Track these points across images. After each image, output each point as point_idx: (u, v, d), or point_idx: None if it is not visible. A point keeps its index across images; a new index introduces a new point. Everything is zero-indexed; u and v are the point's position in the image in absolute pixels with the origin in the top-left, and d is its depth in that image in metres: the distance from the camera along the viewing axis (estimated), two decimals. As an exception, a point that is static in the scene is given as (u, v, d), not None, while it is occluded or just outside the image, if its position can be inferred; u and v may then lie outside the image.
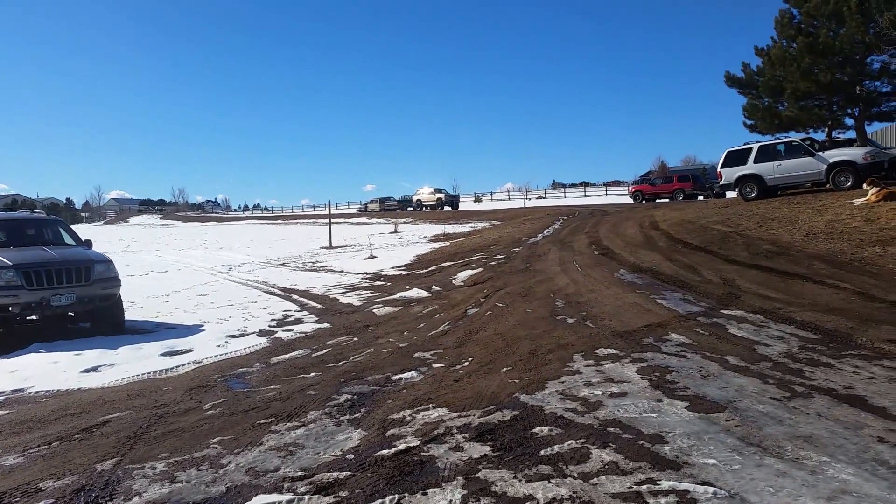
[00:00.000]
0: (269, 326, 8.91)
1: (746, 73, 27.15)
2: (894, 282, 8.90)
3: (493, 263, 14.01)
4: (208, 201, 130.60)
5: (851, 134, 26.03)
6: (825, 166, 18.96)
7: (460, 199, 54.36)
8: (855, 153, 19.19)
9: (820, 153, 19.44)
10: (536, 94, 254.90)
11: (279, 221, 59.87)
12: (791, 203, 17.30)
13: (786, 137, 21.90)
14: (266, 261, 20.32)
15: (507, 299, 9.32)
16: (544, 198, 64.76)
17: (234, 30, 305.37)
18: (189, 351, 7.70)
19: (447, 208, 50.74)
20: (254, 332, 8.55)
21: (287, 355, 7.04)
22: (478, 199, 70.43)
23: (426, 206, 52.43)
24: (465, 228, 28.48)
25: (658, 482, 3.20)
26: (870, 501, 2.93)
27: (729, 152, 21.47)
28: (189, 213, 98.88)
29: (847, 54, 23.20)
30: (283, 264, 19.01)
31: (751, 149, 20.82)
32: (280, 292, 12.39)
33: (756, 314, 7.18)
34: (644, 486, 3.17)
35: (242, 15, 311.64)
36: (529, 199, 60.64)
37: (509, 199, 67.88)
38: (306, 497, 3.33)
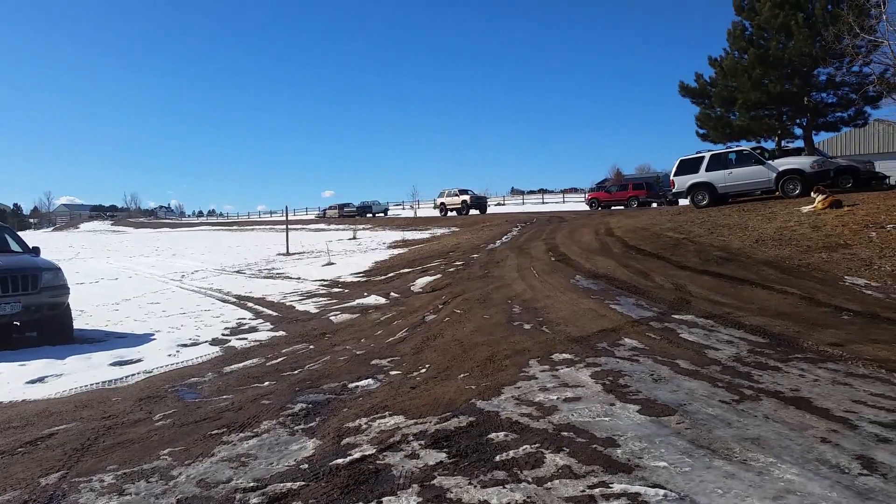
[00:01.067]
0: (223, 335, 8.77)
1: (700, 84, 27.86)
2: (839, 287, 9.22)
3: (451, 270, 14.04)
4: (161, 207, 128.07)
5: (800, 143, 26.92)
6: (775, 175, 19.53)
7: (486, 202, 48.40)
8: (803, 162, 19.82)
9: (770, 162, 20.02)
10: (494, 102, 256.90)
11: (234, 228, 59.05)
12: (741, 210, 17.76)
13: (737, 146, 22.50)
14: (220, 268, 20.00)
15: (465, 305, 9.36)
16: (503, 204, 65.20)
17: (187, 34, 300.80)
18: (139, 360, 7.52)
19: (474, 211, 44.50)
20: (206, 341, 8.40)
21: (240, 364, 6.94)
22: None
23: (451, 210, 45.64)
24: (425, 235, 28.51)
25: (610, 485, 3.25)
26: (812, 500, 3.01)
27: (682, 161, 21.95)
28: (142, 220, 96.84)
29: (795, 66, 24.01)
30: (238, 271, 18.73)
31: (703, 157, 21.32)
32: (234, 300, 12.21)
33: (706, 319, 7.35)
34: (597, 490, 3.21)
35: (197, 20, 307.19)
36: (489, 205, 60.98)
37: (469, 205, 68.07)
38: (259, 508, 3.29)
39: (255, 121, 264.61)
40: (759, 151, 21.05)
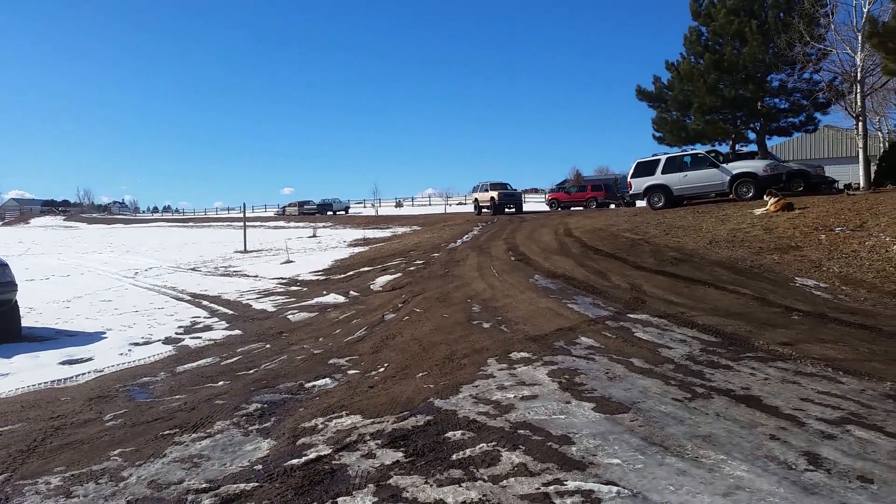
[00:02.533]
0: (176, 334, 8.59)
1: (657, 87, 28.35)
2: (790, 288, 9.47)
3: (411, 269, 14.02)
4: (115, 202, 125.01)
5: (753, 147, 27.60)
6: (728, 178, 19.97)
7: (521, 199, 39.31)
8: (756, 165, 20.31)
9: (724, 165, 20.47)
10: (457, 102, 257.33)
11: (191, 224, 58.00)
12: (696, 212, 18.12)
13: (692, 150, 22.96)
14: (175, 265, 19.61)
15: (424, 304, 9.35)
16: (465, 203, 65.33)
17: (140, 25, 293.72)
18: (90, 359, 7.32)
19: (510, 209, 36.84)
20: (159, 340, 8.22)
21: (194, 364, 6.80)
22: (399, 205, 70.42)
23: (484, 209, 37.74)
24: (386, 233, 28.42)
25: (565, 483, 3.28)
26: (761, 496, 3.09)
27: (638, 163, 22.30)
28: (95, 215, 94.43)
29: (749, 72, 24.62)
30: (193, 269, 18.38)
31: (659, 160, 21.69)
32: (189, 298, 11.97)
33: (660, 318, 7.48)
34: (551, 487, 3.24)
35: (150, 11, 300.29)
36: (450, 204, 61.10)
37: (430, 204, 68.20)
38: (211, 509, 3.23)
39: (212, 115, 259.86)
40: (713, 155, 21.51)
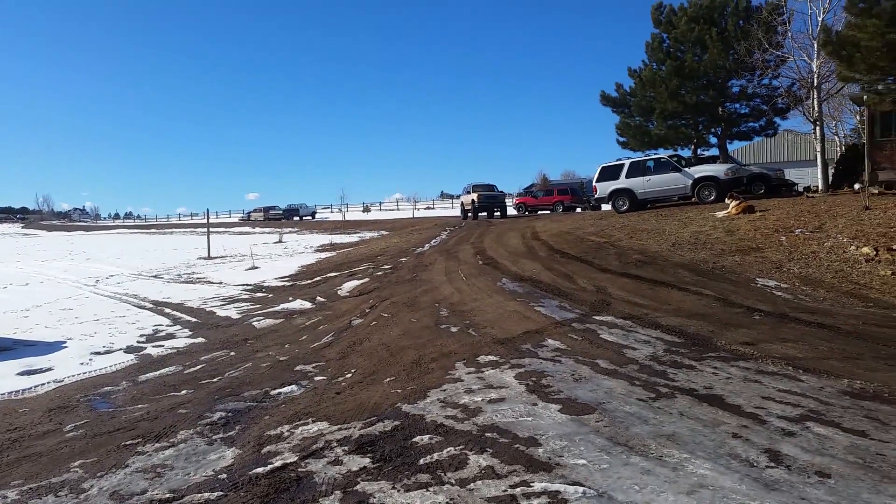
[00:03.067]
0: (138, 342, 8.42)
1: (620, 94, 28.74)
2: (751, 288, 9.65)
3: (379, 273, 13.96)
4: (75, 209, 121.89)
5: (715, 151, 28.10)
6: (691, 181, 20.30)
7: (504, 201, 35.63)
8: (718, 169, 20.68)
9: (686, 169, 20.79)
10: (423, 106, 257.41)
11: (153, 230, 57.03)
12: (659, 216, 18.39)
13: (655, 154, 23.26)
14: (137, 272, 19.23)
15: (392, 309, 9.32)
16: (433, 208, 65.44)
17: (100, 27, 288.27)
18: (49, 369, 7.14)
19: (495, 213, 34.09)
20: (121, 349, 8.05)
21: (157, 372, 6.68)
22: (366, 210, 70.14)
23: (468, 212, 34.22)
24: (353, 238, 28.27)
25: (531, 484, 3.30)
26: (724, 493, 3.14)
27: (603, 167, 22.54)
28: (54, 222, 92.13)
29: (710, 78, 25.10)
30: (155, 276, 18.05)
31: (623, 164, 21.95)
32: (151, 306, 11.75)
33: (625, 319, 7.56)
34: (518, 489, 3.25)
35: (109, 13, 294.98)
36: (418, 209, 61.08)
37: (398, 209, 68.07)
38: (174, 520, 3.18)
39: (175, 120, 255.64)
40: (675, 159, 21.84)
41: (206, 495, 3.42)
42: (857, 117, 32.00)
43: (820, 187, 21.85)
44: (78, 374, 6.87)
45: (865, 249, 11.02)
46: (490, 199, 33.92)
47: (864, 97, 17.38)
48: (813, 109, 21.97)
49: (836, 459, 3.49)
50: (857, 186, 19.52)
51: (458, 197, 42.31)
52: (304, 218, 59.21)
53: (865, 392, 4.69)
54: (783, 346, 6.17)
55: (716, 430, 4.01)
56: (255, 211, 65.26)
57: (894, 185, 18.31)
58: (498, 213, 34.29)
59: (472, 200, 33.48)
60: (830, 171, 23.70)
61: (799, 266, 10.88)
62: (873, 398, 4.55)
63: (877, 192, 16.98)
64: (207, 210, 29.94)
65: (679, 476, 3.35)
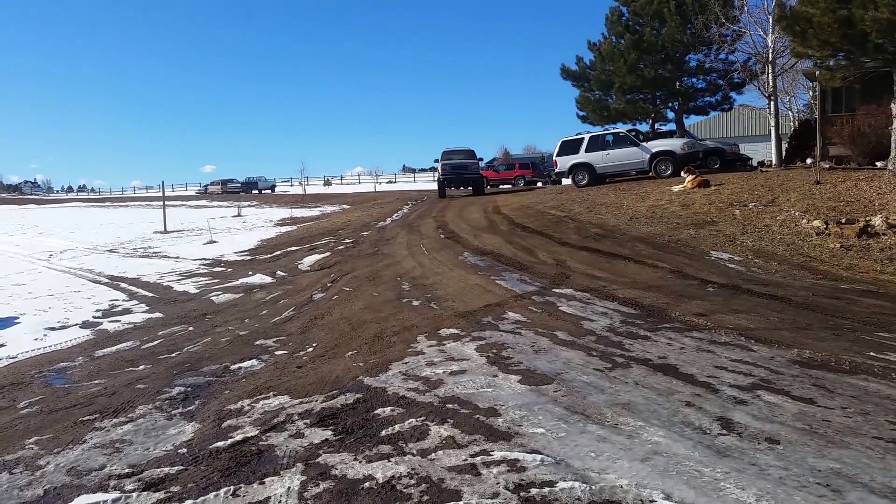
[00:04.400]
0: (94, 317, 8.25)
1: (580, 67, 28.80)
2: (705, 261, 9.88)
3: (340, 247, 13.88)
4: (26, 182, 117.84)
5: (672, 126, 28.45)
6: (648, 156, 20.57)
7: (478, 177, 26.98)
8: (674, 144, 20.99)
9: (644, 144, 21.05)
10: (384, 79, 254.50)
11: (107, 204, 55.55)
12: (618, 190, 18.63)
13: (614, 129, 23.47)
14: (92, 247, 18.75)
15: (354, 283, 9.29)
16: (394, 182, 65.06)
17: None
18: (2, 346, 6.95)
19: (469, 189, 27.77)
20: (76, 324, 7.88)
21: (114, 348, 6.56)
22: (327, 183, 69.39)
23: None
24: (314, 212, 27.99)
25: (491, 453, 3.36)
26: (677, 460, 3.24)
27: (563, 142, 22.67)
28: (4, 195, 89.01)
29: (668, 52, 25.30)
30: (111, 250, 17.63)
31: (583, 139, 22.10)
32: (107, 281, 11.49)
33: (584, 292, 7.69)
34: (478, 458, 3.31)
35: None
36: (380, 182, 60.67)
37: (360, 182, 67.49)
38: (134, 494, 3.15)
39: (127, 88, 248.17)
40: (634, 134, 22.08)
41: (166, 470, 3.40)
42: (810, 93, 32.76)
43: (774, 162, 22.35)
44: (32, 350, 6.71)
45: (816, 223, 11.35)
46: (457, 170, 26.43)
47: (817, 73, 17.78)
48: (768, 84, 22.38)
49: (785, 426, 3.62)
50: (809, 161, 20.01)
51: (420, 171, 39.57)
52: (263, 191, 58.31)
53: (814, 361, 4.87)
54: (735, 317, 6.35)
55: (670, 398, 4.12)
56: (212, 184, 63.97)
57: (845, 159, 18.83)
58: (471, 189, 27.44)
59: (439, 174, 27.40)
60: (784, 146, 24.22)
61: (752, 239, 11.16)
62: (821, 367, 4.72)
63: (828, 166, 17.46)
64: (163, 183, 29.28)
65: (634, 443, 3.45)
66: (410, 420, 3.89)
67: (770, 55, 21.49)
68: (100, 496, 3.16)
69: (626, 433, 3.59)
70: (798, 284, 8.24)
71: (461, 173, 26.73)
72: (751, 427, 3.62)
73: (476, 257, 10.81)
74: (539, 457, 3.28)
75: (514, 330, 6.04)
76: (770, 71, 21.92)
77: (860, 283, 8.39)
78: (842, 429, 3.57)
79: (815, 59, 16.68)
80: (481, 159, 28.73)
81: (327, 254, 13.09)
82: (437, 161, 28.14)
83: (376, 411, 4.09)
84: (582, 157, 21.78)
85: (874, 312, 6.61)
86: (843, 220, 11.18)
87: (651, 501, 2.84)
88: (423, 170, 78.88)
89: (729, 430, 3.59)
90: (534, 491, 2.96)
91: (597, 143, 21.74)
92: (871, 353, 5.04)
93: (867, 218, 11.03)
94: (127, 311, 8.58)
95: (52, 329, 7.69)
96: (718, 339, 5.53)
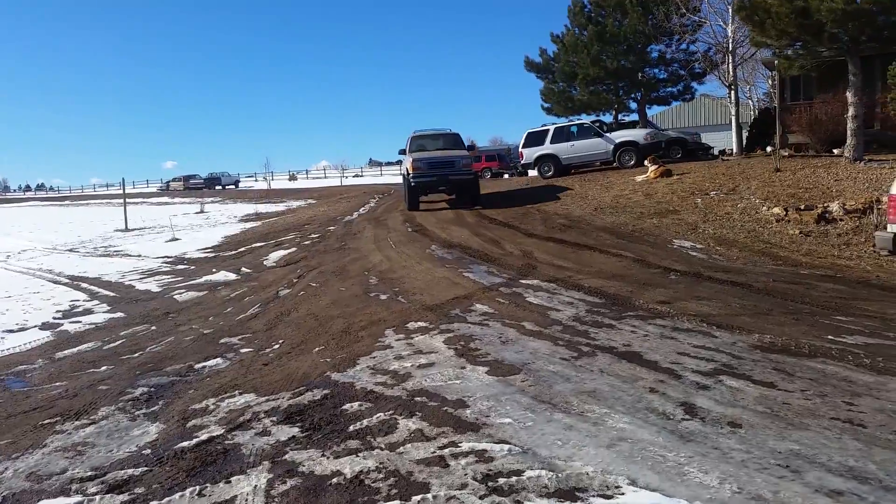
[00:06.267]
0: (54, 319, 8.06)
1: (543, 59, 28.92)
2: (668, 250, 10.03)
3: (307, 243, 13.77)
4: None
5: (635, 117, 28.75)
6: (612, 146, 20.77)
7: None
8: (637, 134, 21.23)
9: (608, 134, 21.25)
10: (350, 72, 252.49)
11: (67, 203, 54.26)
12: (583, 180, 18.80)
13: (578, 120, 23.62)
14: (51, 247, 18.31)
15: (320, 279, 9.23)
16: (361, 176, 64.69)
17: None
18: (-44, 351, 6.76)
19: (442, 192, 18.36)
20: (35, 326, 7.69)
21: (75, 349, 6.42)
22: (293, 178, 68.67)
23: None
24: (279, 207, 27.69)
25: (459, 444, 3.37)
26: (642, 445, 3.29)
27: (529, 133, 22.77)
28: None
29: (630, 43, 25.51)
30: (71, 250, 17.24)
31: (548, 130, 22.22)
32: (67, 281, 11.24)
33: (550, 282, 7.75)
34: (446, 450, 3.32)
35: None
36: (346, 177, 60.28)
37: (325, 177, 66.95)
38: (97, 497, 3.09)
39: (85, 83, 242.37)
40: (598, 124, 22.28)
41: (130, 471, 3.34)
42: (770, 82, 33.32)
43: (734, 150, 22.74)
44: (-11, 354, 6.54)
45: (776, 210, 11.59)
46: (438, 168, 16.47)
47: (776, 62, 18.09)
48: (728, 74, 22.74)
49: (747, 410, 3.70)
50: (769, 149, 20.41)
51: (387, 164, 36.83)
52: (226, 187, 57.47)
53: (774, 345, 4.98)
54: (698, 303, 6.46)
55: (634, 385, 4.18)
56: (174, 180, 62.89)
57: (803, 147, 19.24)
58: (459, 196, 17.68)
59: (406, 171, 17.44)
60: (745, 135, 24.66)
61: (713, 227, 11.35)
62: (781, 351, 4.83)
63: (787, 154, 17.82)
64: (123, 180, 28.73)
65: (600, 430, 3.49)
66: (379, 414, 3.88)
67: (730, 45, 21.82)
68: (61, 500, 3.10)
69: (592, 420, 3.63)
70: (758, 271, 8.41)
71: (445, 172, 16.41)
72: (713, 412, 3.69)
73: (444, 250, 10.81)
74: (507, 447, 3.31)
75: (481, 322, 6.06)
76: (730, 61, 22.27)
77: (819, 269, 8.60)
78: (801, 411, 3.66)
79: (774, 48, 16.99)
80: (472, 147, 19.83)
81: (293, 249, 12.98)
82: (403, 153, 18.28)
83: (344, 407, 4.07)
84: (547, 148, 21.90)
85: (832, 297, 6.78)
86: (802, 207, 11.43)
87: (616, 487, 2.88)
88: (389, 163, 78.47)
89: (692, 416, 3.65)
90: (501, 480, 2.98)
91: (562, 135, 21.88)
92: (830, 337, 5.17)
93: (825, 204, 11.30)
94: (88, 312, 8.41)
95: (11, 331, 7.50)
96: (681, 326, 5.62)
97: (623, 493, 2.82)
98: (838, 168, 14.16)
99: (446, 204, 15.72)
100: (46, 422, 4.25)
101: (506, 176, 35.22)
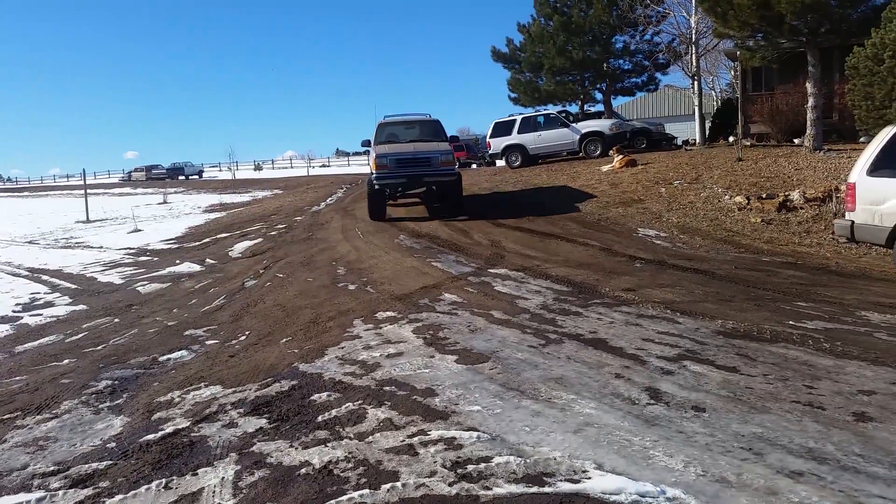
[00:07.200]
0: (14, 312, 7.86)
1: (510, 49, 28.93)
2: (633, 238, 10.16)
3: (273, 233, 13.63)
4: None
5: (600, 107, 28.96)
6: (578, 136, 20.94)
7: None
8: (603, 124, 21.43)
9: (574, 125, 21.40)
10: (315, 63, 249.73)
11: (25, 194, 52.87)
12: (550, 170, 18.92)
13: (545, 110, 23.72)
14: (10, 238, 17.85)
15: (287, 269, 9.14)
16: (328, 166, 64.12)
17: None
18: None
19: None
20: (-7, 320, 7.51)
21: (35, 342, 6.27)
22: (258, 168, 67.78)
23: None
24: (245, 198, 27.33)
25: (428, 433, 3.39)
26: (608, 430, 3.34)
27: (496, 123, 22.83)
28: None
29: (596, 34, 25.64)
30: (30, 242, 16.83)
31: (515, 120, 22.32)
32: (27, 273, 10.96)
33: (518, 271, 7.80)
34: (415, 438, 3.33)
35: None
36: (313, 167, 59.70)
37: (292, 167, 66.21)
38: (60, 492, 3.04)
39: (41, 73, 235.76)
40: (564, 115, 22.43)
41: (94, 465, 3.29)
42: (732, 72, 33.80)
43: (698, 140, 23.07)
44: (-57, 350, 6.35)
45: (738, 198, 11.80)
46: (409, 166, 13.23)
47: (738, 53, 18.38)
48: (691, 65, 23.04)
49: (710, 394, 3.78)
50: (731, 139, 20.77)
51: (354, 154, 35.58)
52: (190, 177, 56.53)
53: (737, 331, 5.08)
54: (662, 291, 6.56)
55: (600, 371, 4.24)
56: (136, 170, 61.69)
57: (765, 137, 19.61)
58: (432, 197, 14.69)
59: (371, 172, 13.67)
60: (707, 125, 25.04)
61: (677, 216, 11.52)
62: (743, 336, 4.93)
63: (749, 144, 18.15)
64: (84, 170, 28.06)
65: (567, 416, 3.54)
66: (347, 404, 3.88)
67: (693, 36, 22.10)
68: (22, 496, 3.04)
69: (559, 406, 3.67)
70: (721, 258, 8.57)
71: (419, 172, 13.18)
72: (678, 396, 3.76)
73: (412, 240, 10.80)
74: (475, 434, 3.33)
75: (450, 311, 6.07)
76: (693, 51, 22.56)
77: (780, 255, 8.79)
78: (763, 395, 3.75)
79: (736, 39, 17.23)
80: (455, 139, 18.49)
81: (259, 240, 12.84)
82: (367, 144, 15.34)
83: (312, 397, 4.05)
84: (514, 138, 21.99)
85: (793, 283, 6.94)
86: (764, 196, 11.66)
87: (583, 472, 2.92)
88: (357, 153, 77.98)
89: (657, 400, 3.71)
90: (470, 467, 3.00)
91: (529, 125, 21.99)
92: (791, 322, 5.29)
93: (786, 193, 11.54)
94: (49, 304, 8.22)
95: (-33, 325, 7.30)
96: (646, 313, 5.71)
97: (590, 478, 2.87)
98: (799, 157, 14.46)
99: (418, 198, 15.45)
100: (6, 417, 4.15)
101: (473, 166, 35.25)
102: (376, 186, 13.37)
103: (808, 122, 15.25)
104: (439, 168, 13.12)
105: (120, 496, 2.97)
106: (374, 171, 13.27)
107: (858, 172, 7.37)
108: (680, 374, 4.12)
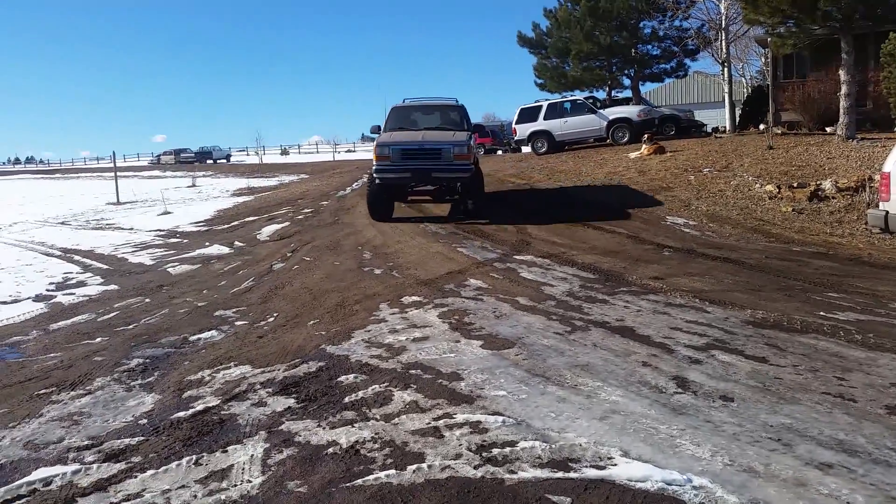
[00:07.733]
0: (48, 291, 8.04)
1: (536, 34, 28.64)
2: (661, 226, 10.07)
3: (300, 217, 13.73)
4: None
5: (628, 93, 28.59)
6: (605, 123, 20.71)
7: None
8: (631, 111, 21.17)
9: (601, 111, 21.17)
10: (343, 46, 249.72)
11: (58, 176, 53.77)
12: (576, 157, 18.77)
13: (572, 96, 23.48)
14: (43, 219, 18.20)
15: (314, 253, 9.22)
16: (354, 151, 64.25)
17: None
18: (-52, 322, 6.73)
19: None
20: (29, 298, 7.66)
21: (69, 321, 6.41)
22: (284, 152, 68.17)
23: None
24: (272, 182, 27.53)
25: (454, 416, 3.41)
26: (634, 418, 3.34)
27: (522, 109, 22.64)
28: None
29: (623, 19, 25.26)
30: (63, 223, 17.15)
31: (541, 106, 22.10)
32: (60, 253, 11.19)
33: (544, 258, 7.78)
34: (441, 421, 3.35)
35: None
36: (338, 152, 59.88)
37: (318, 152, 66.48)
38: (94, 465, 3.11)
39: (74, 57, 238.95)
40: (591, 101, 22.20)
41: (127, 441, 3.36)
42: (762, 59, 33.16)
43: (727, 128, 22.72)
44: (-18, 326, 6.51)
45: (769, 187, 11.62)
46: (415, 158, 11.34)
47: (768, 40, 18.00)
48: (721, 51, 22.63)
49: (739, 384, 3.75)
50: (762, 127, 20.39)
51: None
52: (217, 161, 57.03)
53: (766, 321, 5.03)
54: (690, 280, 6.51)
55: (627, 359, 4.22)
56: (165, 154, 62.37)
57: (796, 125, 19.23)
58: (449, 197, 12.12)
59: (372, 165, 12.01)
60: (738, 112, 24.61)
61: (706, 204, 11.38)
62: (773, 326, 4.88)
63: (780, 132, 17.81)
64: (114, 153, 28.44)
65: (593, 403, 3.54)
66: (374, 386, 3.91)
67: (723, 22, 21.70)
68: (59, 468, 3.11)
69: (585, 393, 3.67)
70: (751, 247, 8.46)
71: (427, 166, 11.26)
72: (706, 385, 3.73)
73: (437, 225, 10.81)
74: (501, 418, 3.34)
75: (475, 296, 6.08)
76: (723, 38, 22.16)
77: (811, 246, 8.66)
78: (793, 386, 3.71)
79: (767, 26, 16.87)
80: (475, 130, 15.31)
81: (286, 224, 12.94)
82: (377, 131, 13.01)
83: (339, 378, 4.09)
84: (540, 124, 21.82)
85: (824, 273, 6.84)
86: (795, 185, 11.46)
87: (609, 458, 2.92)
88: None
89: (684, 389, 3.69)
90: (495, 451, 3.02)
91: (555, 111, 21.79)
92: (821, 313, 5.22)
93: (818, 182, 11.33)
94: (81, 284, 8.38)
95: (4, 303, 7.47)
96: (674, 302, 5.67)
97: (615, 465, 2.87)
98: (831, 146, 14.18)
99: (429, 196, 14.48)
100: (42, 392, 4.26)
101: (499, 152, 35.07)
102: (377, 181, 11.64)
103: (841, 110, 14.92)
104: (452, 162, 11.10)
105: (151, 471, 3.03)
106: (376, 165, 11.56)
107: (893, 162, 7.21)
108: (708, 364, 4.10)
